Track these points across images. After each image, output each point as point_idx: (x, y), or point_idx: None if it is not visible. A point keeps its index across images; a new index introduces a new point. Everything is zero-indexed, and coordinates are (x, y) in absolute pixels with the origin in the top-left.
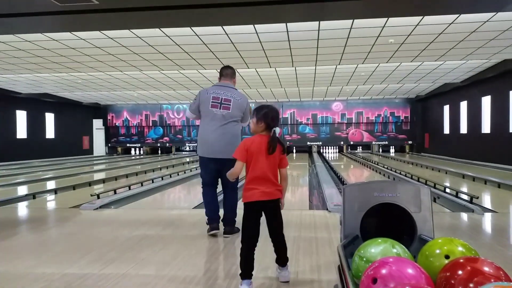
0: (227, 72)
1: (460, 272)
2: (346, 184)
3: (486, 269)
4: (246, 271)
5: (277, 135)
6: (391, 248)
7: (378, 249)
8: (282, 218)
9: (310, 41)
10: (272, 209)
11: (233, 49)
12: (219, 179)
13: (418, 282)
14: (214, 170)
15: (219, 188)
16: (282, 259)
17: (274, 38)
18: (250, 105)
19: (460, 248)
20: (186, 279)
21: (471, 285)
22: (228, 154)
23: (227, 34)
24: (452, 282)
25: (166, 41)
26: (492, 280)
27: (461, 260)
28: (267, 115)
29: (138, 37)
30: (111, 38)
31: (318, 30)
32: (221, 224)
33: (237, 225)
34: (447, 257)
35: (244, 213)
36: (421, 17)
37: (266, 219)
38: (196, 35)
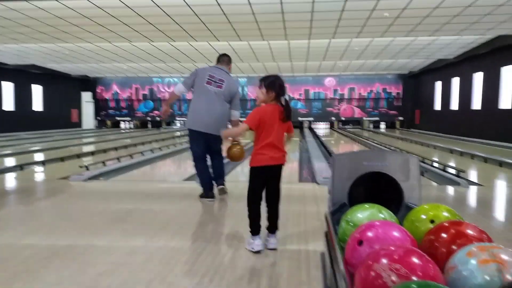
0: (223, 59)
1: (443, 235)
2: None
3: (469, 232)
4: (257, 227)
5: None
6: (378, 213)
7: (365, 214)
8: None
9: (304, 14)
10: (276, 173)
11: (225, 21)
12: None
13: (403, 244)
14: (203, 143)
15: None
16: (273, 226)
17: (268, 9)
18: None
19: (445, 214)
20: (176, 247)
21: (453, 247)
22: (215, 131)
23: (219, 5)
24: (436, 244)
25: (156, 11)
26: (474, 242)
27: (445, 224)
28: (274, 83)
29: (127, 6)
30: (99, 7)
31: (313, 1)
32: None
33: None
34: (432, 222)
35: (252, 176)
36: None
37: (267, 185)
38: (188, 5)
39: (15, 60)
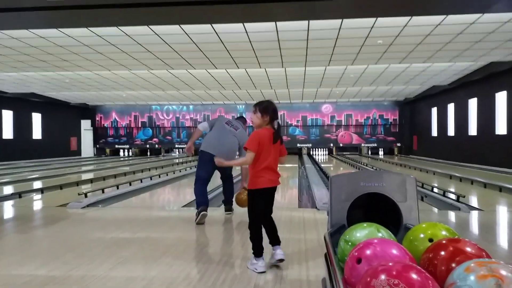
0: (241, 119)
1: (442, 252)
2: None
3: (468, 249)
4: (261, 249)
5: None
6: (376, 232)
7: (363, 233)
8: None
9: (299, 41)
10: (272, 194)
11: (223, 49)
12: (217, 174)
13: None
14: (212, 167)
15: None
16: (276, 238)
17: (264, 38)
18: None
19: (443, 232)
20: (175, 273)
21: (453, 264)
22: (225, 157)
23: (216, 33)
24: (435, 262)
25: (155, 40)
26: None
27: (444, 241)
28: (268, 108)
29: (126, 35)
30: (99, 36)
31: (308, 30)
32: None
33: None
34: (431, 240)
35: (253, 198)
36: (409, 18)
37: (264, 204)
38: (186, 33)
39: (15, 89)
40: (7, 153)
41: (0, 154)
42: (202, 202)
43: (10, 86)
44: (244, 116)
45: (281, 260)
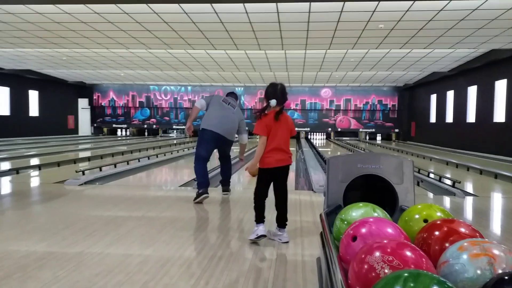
0: (233, 95)
1: (436, 232)
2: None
3: (462, 229)
4: (261, 216)
5: (271, 105)
6: (372, 211)
7: (359, 212)
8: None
9: (300, 24)
10: (283, 173)
11: (222, 29)
12: (217, 153)
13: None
14: (213, 146)
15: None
16: (283, 219)
17: (265, 19)
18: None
19: (438, 213)
20: (171, 250)
21: (446, 244)
22: (228, 135)
23: (216, 13)
24: (429, 242)
25: (154, 18)
26: None
27: (438, 222)
28: (267, 92)
29: (125, 13)
30: (97, 13)
31: (309, 12)
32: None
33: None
34: (425, 221)
35: (260, 174)
36: (412, 2)
37: (276, 184)
38: (185, 12)
39: (12, 65)
40: (4, 130)
41: None
42: (203, 183)
43: (6, 63)
44: (235, 92)
45: (285, 242)
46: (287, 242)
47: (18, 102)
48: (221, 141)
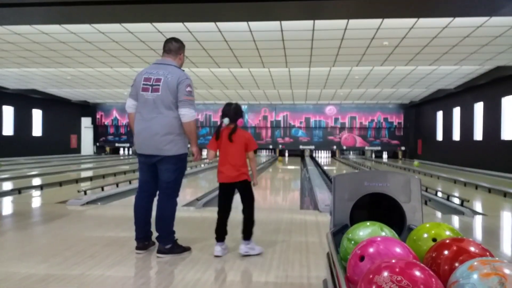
0: (169, 47)
1: (446, 251)
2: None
3: (472, 248)
4: (218, 235)
5: (224, 125)
6: (379, 230)
7: (366, 231)
8: (253, 196)
9: (304, 41)
10: (240, 189)
11: (226, 47)
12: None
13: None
14: (146, 169)
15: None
16: (245, 233)
17: (268, 37)
18: (189, 82)
19: (447, 232)
20: (171, 275)
21: (456, 263)
22: (157, 150)
23: (220, 32)
24: (438, 261)
25: (158, 37)
26: None
27: (447, 241)
28: (222, 111)
29: (129, 32)
30: (102, 33)
31: (313, 30)
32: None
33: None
34: (434, 240)
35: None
36: (416, 19)
37: (224, 198)
38: (189, 31)
39: (16, 85)
40: (8, 149)
41: (0, 150)
42: (136, 228)
43: (11, 82)
44: (173, 38)
45: (245, 255)
46: (244, 255)
47: (22, 121)
48: (153, 161)
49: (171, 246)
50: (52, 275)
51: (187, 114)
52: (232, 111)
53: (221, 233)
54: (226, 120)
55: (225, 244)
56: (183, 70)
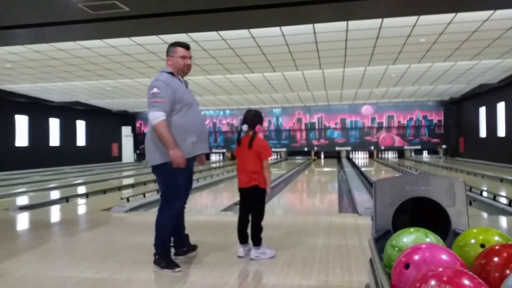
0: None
1: (496, 258)
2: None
3: None
4: (240, 238)
5: (243, 132)
6: (424, 237)
7: (410, 238)
8: (263, 203)
9: (338, 42)
10: (251, 194)
11: (259, 53)
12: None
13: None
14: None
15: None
16: (253, 239)
17: (301, 40)
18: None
19: (496, 238)
20: (213, 280)
21: (507, 271)
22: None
23: (253, 38)
24: (488, 268)
25: (193, 47)
26: None
27: (497, 247)
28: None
29: (166, 43)
30: (140, 45)
31: (347, 30)
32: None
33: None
34: (482, 246)
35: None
36: (454, 14)
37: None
38: (223, 39)
39: (61, 98)
40: (55, 159)
41: (48, 161)
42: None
43: (57, 96)
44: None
45: (253, 259)
46: (253, 259)
47: (67, 132)
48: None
49: (157, 257)
50: (101, 280)
51: (150, 118)
52: (250, 118)
53: (241, 236)
54: (244, 127)
55: (249, 246)
56: (169, 72)
